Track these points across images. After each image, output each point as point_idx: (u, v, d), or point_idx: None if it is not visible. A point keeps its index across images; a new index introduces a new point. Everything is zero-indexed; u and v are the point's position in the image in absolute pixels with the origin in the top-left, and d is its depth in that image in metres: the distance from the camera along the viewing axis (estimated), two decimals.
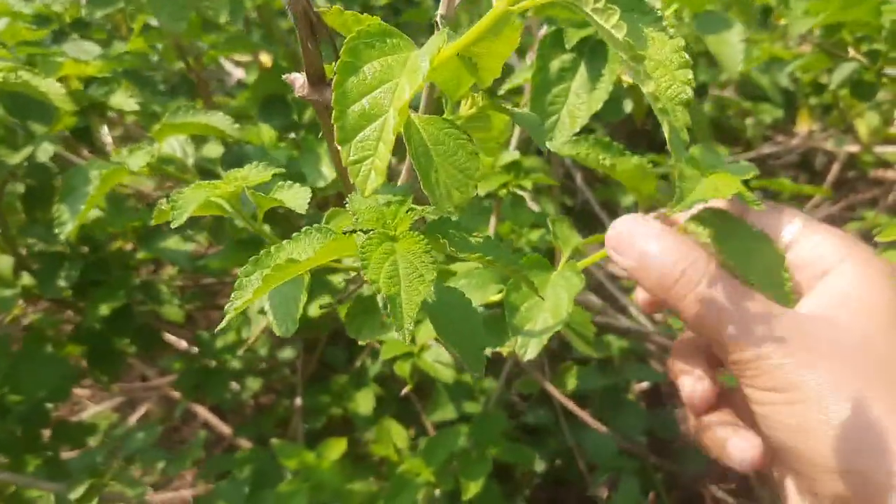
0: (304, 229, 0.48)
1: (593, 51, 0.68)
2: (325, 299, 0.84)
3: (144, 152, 0.71)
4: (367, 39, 0.40)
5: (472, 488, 0.84)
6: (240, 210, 0.55)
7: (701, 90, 1.76)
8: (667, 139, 0.34)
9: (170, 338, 1.39)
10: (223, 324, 0.44)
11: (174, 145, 0.79)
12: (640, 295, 0.64)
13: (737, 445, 0.51)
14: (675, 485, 1.35)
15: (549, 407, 1.28)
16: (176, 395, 1.47)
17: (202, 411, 1.48)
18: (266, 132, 0.90)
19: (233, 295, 0.45)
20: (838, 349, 0.46)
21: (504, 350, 0.70)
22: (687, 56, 0.36)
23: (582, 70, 0.68)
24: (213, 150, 0.90)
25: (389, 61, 0.40)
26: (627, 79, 0.79)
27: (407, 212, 0.46)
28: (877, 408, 0.43)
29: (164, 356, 1.44)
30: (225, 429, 1.45)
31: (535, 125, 0.51)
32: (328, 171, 0.81)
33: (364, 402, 1.21)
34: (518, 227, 0.92)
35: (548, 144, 0.68)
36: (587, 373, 1.26)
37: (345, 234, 0.45)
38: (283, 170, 0.56)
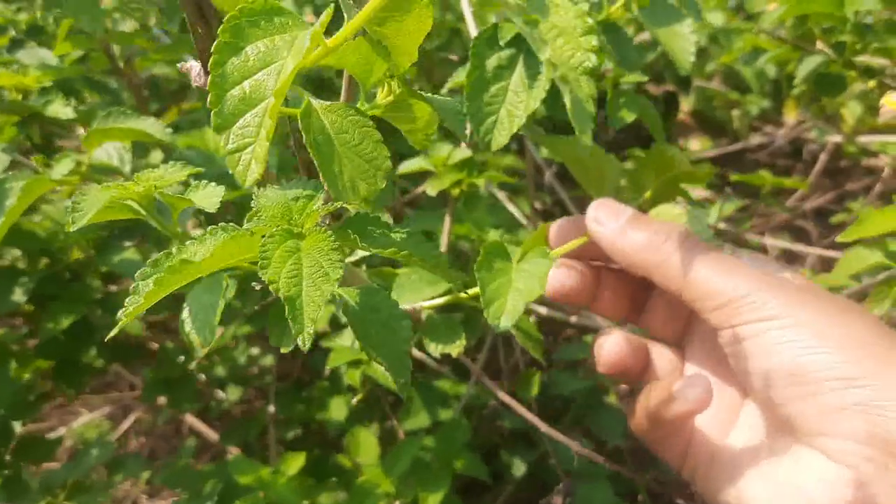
0: (209, 228, 0.44)
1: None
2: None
3: (69, 160, 0.68)
4: (252, 17, 0.36)
5: (431, 502, 0.80)
6: (152, 212, 0.51)
7: (685, 82, 1.73)
8: (569, 111, 0.31)
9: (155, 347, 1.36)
10: (113, 332, 0.41)
11: (111, 152, 0.76)
12: (561, 281, 0.59)
13: (686, 386, 0.50)
14: (663, 487, 1.31)
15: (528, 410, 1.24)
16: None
17: (189, 419, 1.45)
18: (212, 136, 0.86)
19: (126, 300, 0.42)
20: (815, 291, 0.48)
21: (453, 351, 0.67)
22: (591, 21, 0.33)
23: (520, 66, 0.64)
24: (158, 157, 0.87)
25: (276, 41, 0.36)
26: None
27: (316, 207, 0.43)
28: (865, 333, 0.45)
29: (151, 365, 1.41)
30: (213, 436, 1.42)
31: (454, 113, 0.47)
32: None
33: (337, 410, 1.18)
34: (478, 228, 0.88)
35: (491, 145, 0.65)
36: (564, 375, 1.22)
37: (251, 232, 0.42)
38: (201, 169, 0.53)
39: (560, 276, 0.57)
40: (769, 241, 1.36)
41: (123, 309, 0.41)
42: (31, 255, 1.03)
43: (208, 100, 0.35)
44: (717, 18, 1.55)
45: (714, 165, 1.68)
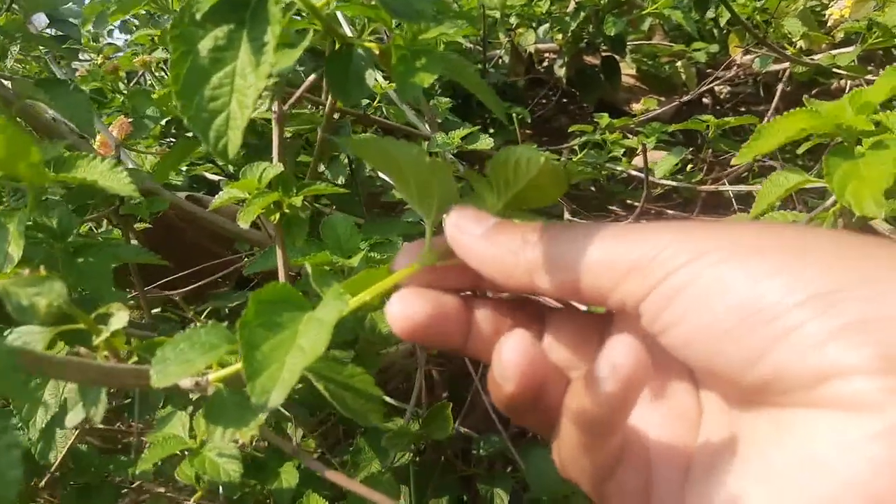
0: None
1: (255, 14, 0.46)
2: None
3: None
4: None
5: None
6: None
7: (618, 41, 1.52)
8: None
9: None
10: None
11: None
12: (404, 313, 0.39)
13: (604, 355, 0.31)
14: None
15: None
16: None
17: None
18: None
19: None
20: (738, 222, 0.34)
21: (244, 437, 0.48)
22: None
23: (245, 42, 0.46)
24: None
25: None
26: (372, 44, 0.56)
27: None
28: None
29: None
30: None
31: None
32: (15, 250, 0.59)
33: (288, 475, 1.00)
34: (342, 252, 0.70)
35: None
36: None
37: None
38: None
39: (403, 307, 0.37)
40: (730, 188, 1.15)
41: None
42: None
43: None
44: None
45: (669, 123, 1.47)
